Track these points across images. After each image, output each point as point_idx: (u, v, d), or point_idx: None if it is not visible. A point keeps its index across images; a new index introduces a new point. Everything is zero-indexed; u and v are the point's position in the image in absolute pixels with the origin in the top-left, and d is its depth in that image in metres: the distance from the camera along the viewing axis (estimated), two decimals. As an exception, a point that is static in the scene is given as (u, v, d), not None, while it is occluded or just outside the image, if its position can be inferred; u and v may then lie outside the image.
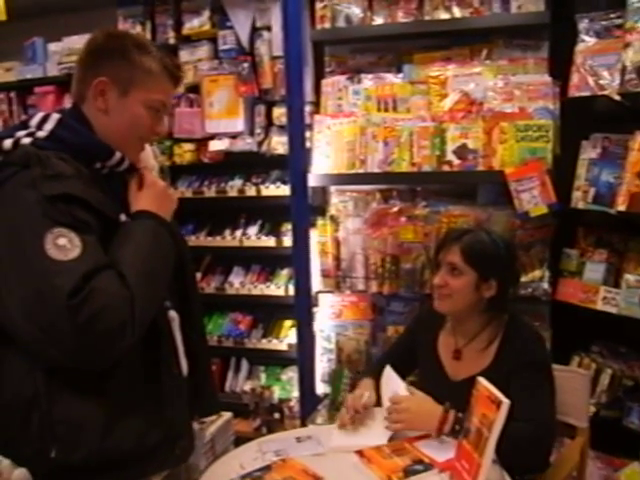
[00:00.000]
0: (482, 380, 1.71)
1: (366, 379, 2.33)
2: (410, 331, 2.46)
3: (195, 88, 3.78)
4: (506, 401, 1.56)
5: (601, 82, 2.69)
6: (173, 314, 1.71)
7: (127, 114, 1.65)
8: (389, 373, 2.21)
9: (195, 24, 3.75)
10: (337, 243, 3.25)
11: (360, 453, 1.90)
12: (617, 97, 2.60)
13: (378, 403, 2.20)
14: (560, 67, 2.91)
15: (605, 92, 2.65)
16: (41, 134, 1.57)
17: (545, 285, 2.92)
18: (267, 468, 1.83)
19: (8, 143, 1.56)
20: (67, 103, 4.06)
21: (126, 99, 1.64)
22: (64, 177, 1.48)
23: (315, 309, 3.37)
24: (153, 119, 1.69)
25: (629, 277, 2.66)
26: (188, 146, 3.78)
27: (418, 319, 2.47)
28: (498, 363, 2.06)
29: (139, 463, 1.57)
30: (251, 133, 3.69)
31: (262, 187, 3.64)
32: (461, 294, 2.12)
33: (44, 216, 1.43)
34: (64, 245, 1.42)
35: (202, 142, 3.76)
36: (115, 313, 1.41)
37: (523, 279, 2.92)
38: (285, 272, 3.74)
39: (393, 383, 2.12)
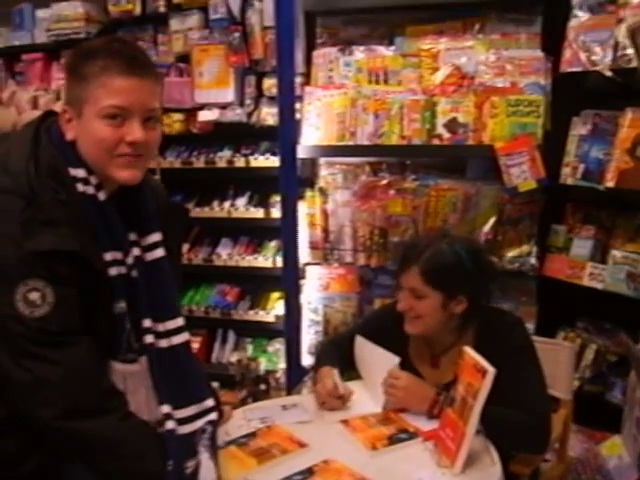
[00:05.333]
0: (468, 349, 1.71)
1: (328, 368, 2.10)
2: (370, 335, 2.16)
3: (185, 58, 3.74)
4: (491, 370, 1.57)
5: (593, 58, 2.67)
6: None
7: (88, 135, 1.49)
8: (365, 344, 2.14)
9: (186, -8, 3.69)
10: (325, 215, 3.24)
11: (345, 422, 1.91)
12: (609, 73, 2.59)
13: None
14: (553, 42, 2.88)
15: (597, 68, 2.64)
16: None
17: (532, 260, 2.93)
18: (252, 435, 1.83)
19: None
20: (55, 71, 4.04)
21: (82, 120, 1.49)
22: (54, 224, 1.42)
23: (302, 281, 3.37)
24: (115, 128, 1.47)
25: (616, 253, 2.67)
26: (177, 116, 3.75)
27: (379, 329, 2.17)
28: None
29: None
30: (241, 104, 3.66)
31: (251, 158, 3.63)
32: (430, 316, 1.98)
33: (22, 263, 1.39)
34: (34, 301, 1.40)
35: (191, 112, 3.74)
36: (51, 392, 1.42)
37: (510, 254, 2.94)
38: (273, 244, 3.73)
39: (378, 354, 2.09)
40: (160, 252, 1.65)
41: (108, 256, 1.53)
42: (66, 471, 1.61)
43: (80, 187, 1.50)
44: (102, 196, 1.53)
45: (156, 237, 1.65)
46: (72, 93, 1.50)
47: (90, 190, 1.51)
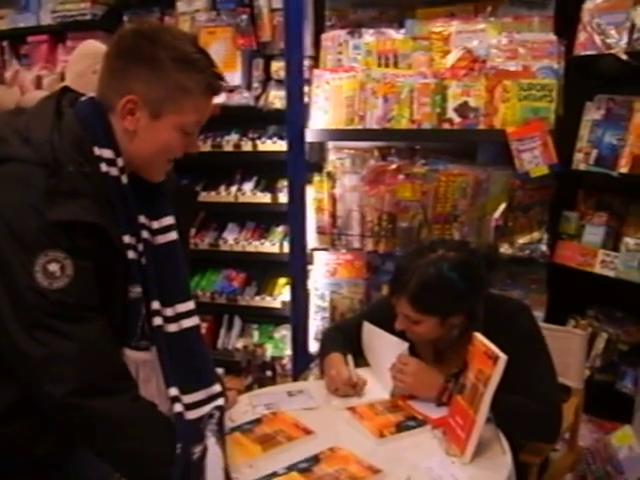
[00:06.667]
0: (479, 335, 1.68)
1: (339, 355, 2.09)
2: (373, 324, 2.15)
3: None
4: (503, 356, 1.53)
5: (608, 41, 2.62)
6: None
7: (156, 139, 1.49)
8: (373, 330, 2.12)
9: (193, -27, 3.65)
10: (333, 200, 3.21)
11: (352, 409, 1.88)
12: (624, 56, 2.54)
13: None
14: (566, 25, 2.84)
15: (612, 51, 2.59)
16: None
17: (543, 247, 2.89)
18: (257, 421, 1.80)
19: None
20: (60, 54, 3.99)
21: (157, 122, 1.48)
22: (77, 195, 1.39)
23: (310, 267, 3.34)
24: (185, 140, 1.52)
25: (629, 241, 2.63)
26: (184, 99, 3.70)
27: (382, 319, 2.08)
28: None
29: None
30: (248, 87, 3.61)
31: (258, 142, 3.58)
32: (429, 334, 1.93)
33: (43, 233, 1.36)
34: (53, 272, 1.36)
35: (198, 95, 3.69)
36: (65, 367, 1.38)
37: (521, 240, 2.90)
38: (280, 229, 3.70)
39: (386, 340, 2.06)
40: (173, 235, 1.64)
41: (126, 238, 1.51)
42: (78, 455, 1.61)
43: (103, 167, 1.47)
44: (125, 179, 1.51)
45: (170, 220, 1.64)
46: (152, 90, 1.45)
47: (114, 172, 1.49)
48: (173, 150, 1.53)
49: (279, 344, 3.75)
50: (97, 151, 1.46)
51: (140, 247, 1.55)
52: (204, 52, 1.52)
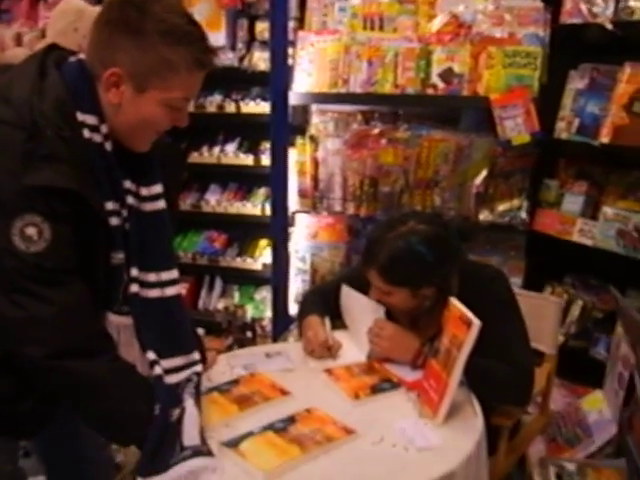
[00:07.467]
0: (454, 300, 1.70)
1: (317, 317, 2.12)
2: (354, 285, 2.15)
3: (176, -3, 3.63)
4: (477, 322, 1.55)
5: (594, 10, 2.62)
6: None
7: (140, 113, 1.45)
8: (351, 293, 2.13)
9: None
10: (316, 163, 3.21)
11: (329, 371, 1.90)
12: (609, 26, 2.54)
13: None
14: (553, -8, 2.83)
15: (598, 20, 2.59)
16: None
17: (523, 215, 2.92)
18: (235, 382, 1.83)
19: None
20: (42, 10, 3.91)
21: (141, 97, 1.43)
22: (55, 160, 1.36)
23: (291, 229, 3.35)
24: (172, 115, 1.48)
25: (607, 210, 2.65)
26: (167, 58, 3.66)
27: (361, 284, 2.06)
28: None
29: None
30: (232, 47, 3.57)
31: (242, 103, 3.56)
32: (400, 305, 1.96)
33: (20, 197, 1.34)
34: (30, 236, 1.35)
35: (181, 55, 3.64)
36: (39, 329, 1.39)
37: (501, 207, 2.92)
38: (262, 191, 3.70)
39: (364, 304, 2.07)
40: (162, 204, 1.63)
41: (110, 205, 1.49)
42: (62, 411, 1.63)
43: (86, 133, 1.44)
44: (109, 146, 1.48)
45: (159, 188, 1.62)
46: (137, 63, 1.41)
47: (97, 138, 1.46)
48: (159, 124, 1.49)
49: (259, 305, 3.77)
50: (80, 116, 1.43)
51: (124, 213, 1.54)
52: (196, 24, 1.46)
